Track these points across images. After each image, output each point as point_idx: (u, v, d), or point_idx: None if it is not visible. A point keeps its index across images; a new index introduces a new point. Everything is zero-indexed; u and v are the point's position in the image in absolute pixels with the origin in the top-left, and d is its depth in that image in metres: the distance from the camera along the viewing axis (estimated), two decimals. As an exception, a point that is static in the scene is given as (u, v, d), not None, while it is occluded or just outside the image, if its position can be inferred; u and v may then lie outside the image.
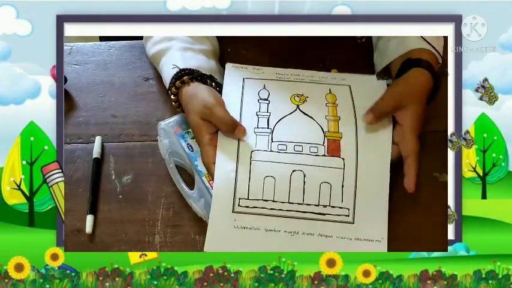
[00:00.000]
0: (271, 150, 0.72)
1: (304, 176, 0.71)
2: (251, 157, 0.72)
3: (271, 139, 0.73)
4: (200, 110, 0.74)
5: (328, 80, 0.81)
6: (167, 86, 0.80)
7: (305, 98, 0.78)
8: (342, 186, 0.71)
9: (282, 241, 0.70)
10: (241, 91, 0.78)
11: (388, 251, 0.70)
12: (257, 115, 0.76)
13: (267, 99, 0.77)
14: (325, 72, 0.83)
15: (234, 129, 0.72)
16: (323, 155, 0.72)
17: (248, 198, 0.71)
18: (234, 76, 0.81)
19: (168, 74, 0.81)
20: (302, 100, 0.77)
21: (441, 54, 0.80)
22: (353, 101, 0.77)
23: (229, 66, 0.82)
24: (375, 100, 0.75)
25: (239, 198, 0.71)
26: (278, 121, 0.75)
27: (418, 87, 0.75)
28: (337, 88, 0.79)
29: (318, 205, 0.71)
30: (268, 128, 0.74)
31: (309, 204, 0.71)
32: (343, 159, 0.72)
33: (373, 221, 0.71)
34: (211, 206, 0.71)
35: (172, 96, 0.80)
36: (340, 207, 0.71)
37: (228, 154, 0.72)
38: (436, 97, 0.78)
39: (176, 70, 0.79)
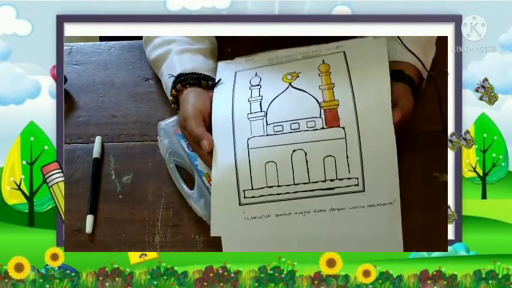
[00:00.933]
0: (267, 134, 0.71)
1: (306, 154, 0.69)
2: (248, 145, 0.71)
3: (266, 122, 0.71)
4: (180, 120, 0.76)
5: (322, 52, 0.78)
6: (168, 94, 0.82)
7: (297, 74, 0.75)
8: (347, 156, 0.69)
9: (295, 223, 0.69)
10: (232, 85, 0.77)
11: (402, 213, 0.68)
12: (249, 101, 0.74)
13: (258, 85, 0.76)
14: (319, 45, 0.80)
15: (199, 142, 0.72)
16: (322, 128, 0.70)
17: (252, 188, 0.70)
18: (225, 72, 0.80)
19: (166, 83, 0.82)
20: (294, 77, 0.75)
21: (427, 68, 0.80)
22: (347, 65, 0.74)
23: (221, 64, 0.82)
24: (371, 61, 0.73)
25: (243, 190, 0.70)
26: (271, 102, 0.73)
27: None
28: (330, 57, 0.77)
29: (324, 181, 0.69)
30: (261, 111, 0.73)
31: (316, 182, 0.69)
32: (343, 128, 0.69)
33: (384, 184, 0.68)
34: (211, 203, 0.70)
35: (173, 105, 0.81)
36: (348, 178, 0.69)
37: (224, 147, 0.71)
38: None
39: (173, 79, 0.79)
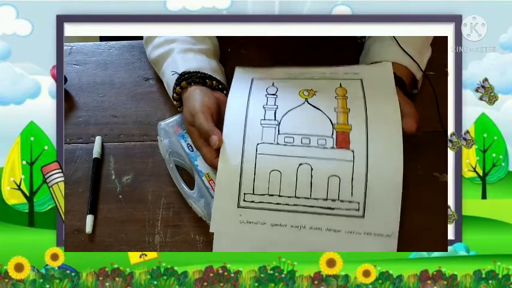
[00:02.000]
0: (277, 143, 0.71)
1: (312, 169, 0.69)
2: (257, 150, 0.71)
3: (278, 131, 0.72)
4: (187, 116, 0.75)
5: (340, 75, 0.79)
6: (169, 92, 0.81)
7: (314, 92, 0.76)
8: (352, 179, 0.69)
9: (288, 236, 0.69)
10: (249, 88, 0.77)
11: (397, 247, 0.68)
12: (264, 108, 0.74)
13: (275, 94, 0.76)
14: (336, 67, 0.81)
15: (208, 137, 0.71)
16: (331, 147, 0.70)
17: (253, 193, 0.70)
18: (243, 77, 0.80)
19: (169, 80, 0.82)
20: (311, 94, 0.75)
21: (423, 68, 0.80)
22: (364, 93, 0.75)
23: (238, 69, 0.82)
24: (386, 90, 0.73)
25: (244, 193, 0.70)
26: (285, 113, 0.73)
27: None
28: (348, 82, 0.77)
29: (326, 199, 0.69)
30: (275, 119, 0.73)
31: (317, 199, 0.69)
32: (353, 151, 0.70)
33: (385, 215, 0.68)
34: (213, 200, 0.70)
35: (175, 102, 0.80)
36: (349, 202, 0.69)
37: (233, 147, 0.71)
38: None
39: (176, 76, 0.79)
